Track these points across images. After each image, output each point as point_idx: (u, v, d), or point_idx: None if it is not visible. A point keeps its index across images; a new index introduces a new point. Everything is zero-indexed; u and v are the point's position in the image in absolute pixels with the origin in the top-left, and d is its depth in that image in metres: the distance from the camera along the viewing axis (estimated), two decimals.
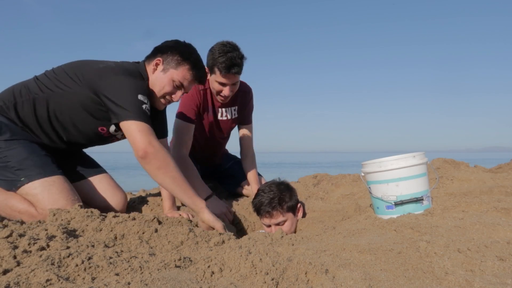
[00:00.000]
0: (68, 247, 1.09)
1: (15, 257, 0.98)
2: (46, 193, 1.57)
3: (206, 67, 2.14)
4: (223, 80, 2.14)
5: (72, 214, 1.43)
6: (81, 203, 1.61)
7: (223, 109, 2.43)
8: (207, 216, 1.62)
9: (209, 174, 2.79)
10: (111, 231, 1.31)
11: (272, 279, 0.89)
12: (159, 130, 1.80)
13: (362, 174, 1.68)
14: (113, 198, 1.91)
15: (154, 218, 1.54)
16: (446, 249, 1.04)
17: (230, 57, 2.06)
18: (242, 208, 2.26)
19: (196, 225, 1.71)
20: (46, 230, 1.19)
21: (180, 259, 1.05)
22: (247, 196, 2.56)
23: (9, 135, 1.61)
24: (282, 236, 1.38)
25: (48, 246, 1.08)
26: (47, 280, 0.84)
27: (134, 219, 1.47)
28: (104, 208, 1.86)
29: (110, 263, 0.98)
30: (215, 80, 2.17)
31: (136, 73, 1.71)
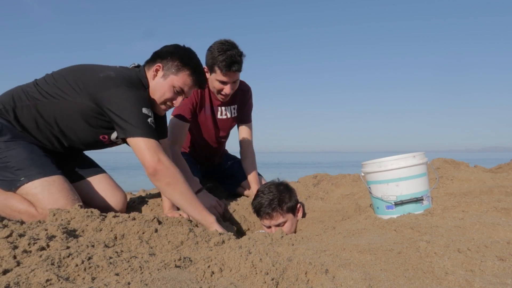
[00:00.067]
0: (68, 247, 1.09)
1: (15, 257, 0.98)
2: (46, 192, 1.57)
3: (205, 67, 2.14)
4: (224, 78, 2.14)
5: (72, 214, 1.43)
6: (81, 203, 1.61)
7: (223, 108, 2.43)
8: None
9: (209, 174, 2.79)
10: (111, 231, 1.31)
11: (272, 279, 0.89)
12: (160, 132, 1.81)
13: (362, 174, 1.68)
14: (112, 198, 1.91)
15: (154, 218, 1.54)
16: (446, 249, 1.04)
17: (230, 55, 2.06)
18: (242, 208, 2.26)
19: (196, 225, 1.71)
20: (46, 230, 1.19)
21: (180, 259, 1.05)
22: (247, 196, 2.55)
23: (9, 137, 1.61)
24: (282, 236, 1.38)
25: (48, 246, 1.08)
26: (47, 280, 0.84)
27: (134, 219, 1.47)
28: (104, 208, 1.85)
29: (110, 263, 0.98)
30: (215, 79, 2.17)
31: (137, 82, 1.70)
